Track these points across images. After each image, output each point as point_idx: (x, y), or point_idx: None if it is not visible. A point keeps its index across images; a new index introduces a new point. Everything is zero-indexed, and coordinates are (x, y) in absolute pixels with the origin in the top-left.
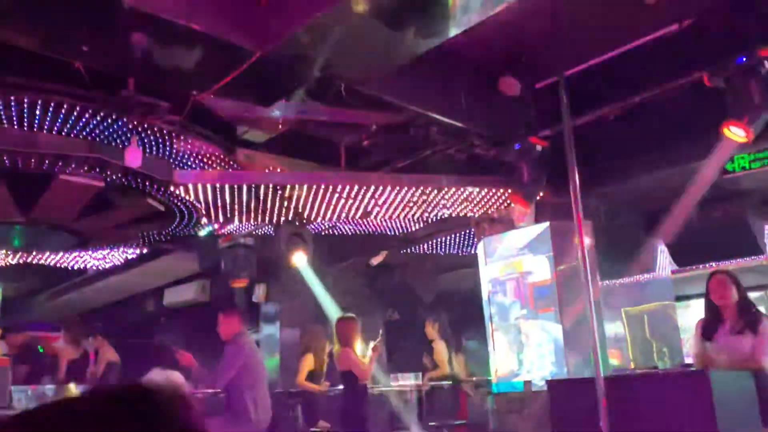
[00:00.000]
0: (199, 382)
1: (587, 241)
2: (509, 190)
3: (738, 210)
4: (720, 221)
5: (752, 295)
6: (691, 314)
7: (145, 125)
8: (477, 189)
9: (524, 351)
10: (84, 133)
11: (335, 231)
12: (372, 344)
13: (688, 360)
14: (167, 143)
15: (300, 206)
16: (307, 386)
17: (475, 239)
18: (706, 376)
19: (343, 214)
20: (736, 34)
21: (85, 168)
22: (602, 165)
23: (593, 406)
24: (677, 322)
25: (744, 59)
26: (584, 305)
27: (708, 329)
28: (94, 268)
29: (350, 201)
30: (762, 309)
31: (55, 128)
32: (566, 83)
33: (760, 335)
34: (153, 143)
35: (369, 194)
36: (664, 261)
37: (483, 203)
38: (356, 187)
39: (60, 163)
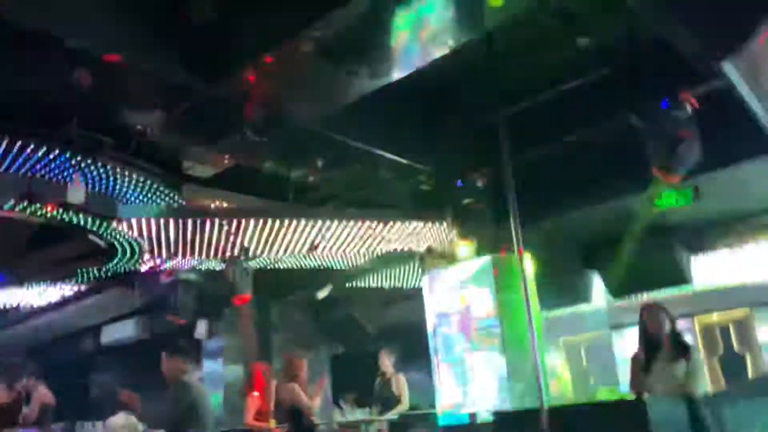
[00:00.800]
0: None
1: (528, 273)
2: (453, 225)
3: (667, 242)
4: (650, 254)
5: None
6: (626, 343)
7: (89, 161)
8: (422, 223)
9: (469, 383)
10: (24, 169)
11: (280, 264)
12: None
13: (625, 388)
14: (111, 178)
15: (246, 240)
16: (255, 425)
17: (420, 272)
18: (643, 404)
19: (290, 248)
20: (663, 78)
21: (24, 204)
22: (540, 199)
23: None
24: (614, 350)
25: (668, 103)
26: (526, 337)
27: (646, 360)
28: (28, 305)
29: (296, 235)
30: (688, 337)
31: None
32: (505, 122)
33: (692, 362)
34: (96, 179)
35: (315, 228)
36: (600, 292)
37: (428, 237)
38: (303, 221)
39: None
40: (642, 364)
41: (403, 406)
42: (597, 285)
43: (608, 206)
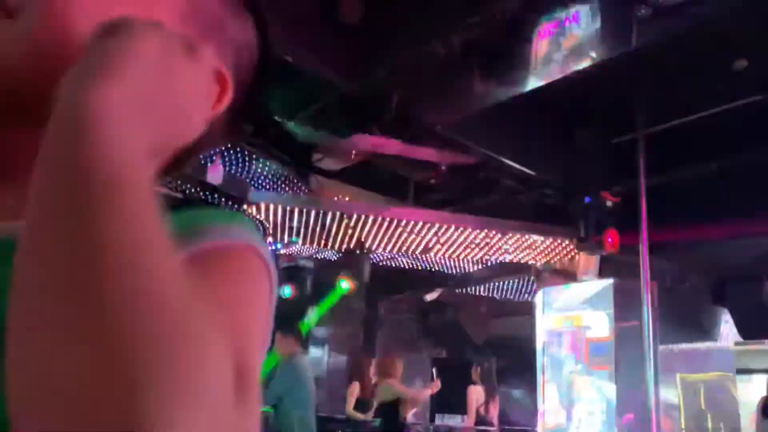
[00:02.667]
0: None
1: (651, 302)
2: (575, 243)
3: None
4: None
5: None
6: (752, 389)
7: (229, 144)
8: (542, 238)
9: (575, 406)
10: None
11: (393, 263)
12: (432, 377)
13: None
14: (247, 163)
15: (363, 236)
16: (355, 415)
17: (535, 287)
18: None
19: (404, 248)
20: None
21: (168, 180)
22: (674, 226)
23: None
24: (736, 396)
25: None
26: (640, 367)
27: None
28: None
29: (413, 236)
30: None
31: None
32: (645, 141)
33: None
34: (233, 162)
35: (432, 231)
36: (728, 331)
37: (546, 252)
38: (420, 223)
39: None
40: (764, 411)
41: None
42: (726, 324)
43: (748, 241)
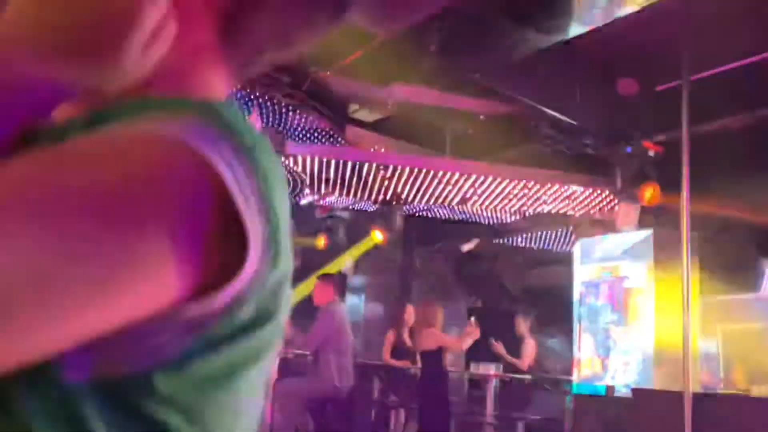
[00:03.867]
0: (289, 342)
1: (691, 252)
2: (614, 193)
3: None
4: None
5: None
6: None
7: (266, 97)
8: (581, 188)
9: (611, 356)
10: None
11: (430, 213)
12: (472, 324)
13: None
14: (283, 115)
15: (400, 187)
16: (391, 362)
17: (573, 238)
18: None
19: (441, 199)
20: None
21: None
22: (717, 176)
23: (678, 421)
24: None
25: None
26: (679, 317)
27: None
28: None
29: (449, 187)
30: None
31: None
32: (689, 88)
33: None
34: (270, 114)
35: (469, 182)
36: None
37: (585, 203)
38: (457, 174)
39: None
40: None
41: (521, 363)
42: None
43: None
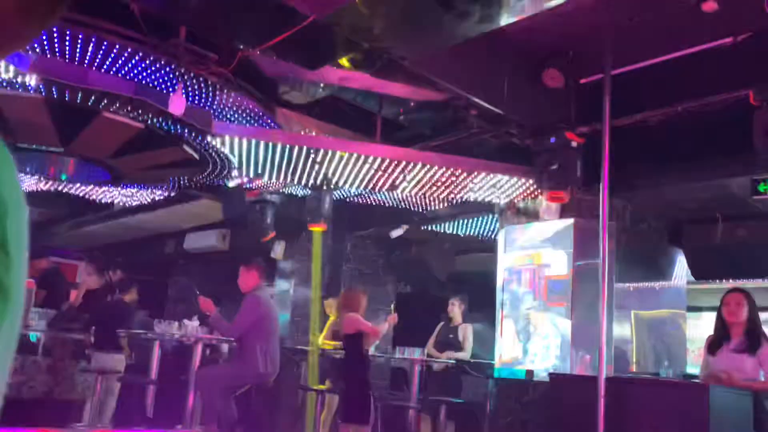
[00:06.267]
0: (214, 328)
1: (609, 241)
2: (539, 183)
3: (763, 231)
4: (743, 239)
5: (763, 316)
6: (701, 326)
7: (192, 74)
8: (506, 177)
9: (531, 341)
10: (131, 75)
11: (359, 199)
12: (390, 311)
13: (690, 371)
14: (210, 94)
15: (330, 171)
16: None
17: (498, 226)
18: (706, 390)
19: (371, 185)
20: None
21: (128, 108)
22: (634, 168)
23: (592, 404)
24: (686, 332)
25: None
26: (596, 304)
27: (713, 344)
28: (121, 204)
29: (380, 173)
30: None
31: (105, 67)
32: (611, 82)
33: (757, 357)
34: (197, 92)
35: (399, 168)
36: (681, 270)
37: (510, 191)
38: (387, 160)
39: (105, 101)
40: (711, 350)
41: (465, 354)
42: (680, 263)
43: (706, 184)
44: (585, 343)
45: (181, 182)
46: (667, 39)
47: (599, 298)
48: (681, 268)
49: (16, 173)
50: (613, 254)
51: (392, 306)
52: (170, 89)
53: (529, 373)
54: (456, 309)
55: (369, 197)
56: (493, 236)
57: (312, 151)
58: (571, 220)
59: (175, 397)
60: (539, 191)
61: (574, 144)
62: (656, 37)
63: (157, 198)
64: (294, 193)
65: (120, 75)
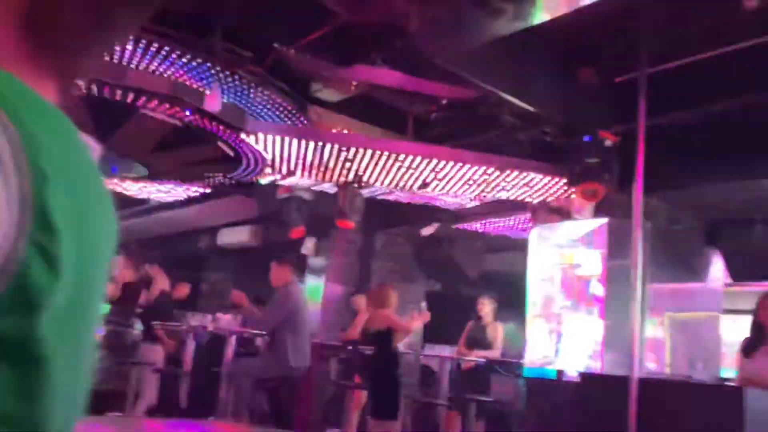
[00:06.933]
0: (247, 322)
1: (642, 242)
2: (572, 182)
3: None
4: None
5: None
6: (737, 329)
7: (227, 73)
8: (539, 176)
9: (562, 341)
10: (168, 73)
11: (391, 197)
12: (421, 309)
13: (725, 374)
14: (245, 92)
15: (361, 169)
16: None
17: (530, 225)
18: (741, 393)
19: (402, 183)
20: None
21: (166, 106)
22: (670, 168)
23: (623, 405)
24: (721, 334)
25: None
26: (629, 304)
27: (749, 347)
28: (157, 199)
29: (411, 171)
30: None
31: (143, 65)
32: (647, 81)
33: None
34: (232, 90)
35: (430, 167)
36: (717, 272)
37: (543, 190)
38: (419, 158)
39: (142, 99)
40: (746, 352)
41: (495, 353)
42: (716, 265)
43: (744, 184)
44: (617, 344)
45: (216, 179)
46: (705, 37)
47: (632, 299)
48: (717, 269)
49: (75, 141)
50: (646, 255)
51: (423, 304)
52: (206, 87)
53: (560, 372)
54: (486, 308)
55: (401, 195)
56: (524, 235)
57: (343, 149)
58: (604, 220)
59: (207, 389)
60: (572, 190)
61: (608, 143)
62: (693, 36)
63: (192, 194)
64: (325, 190)
65: (157, 73)
